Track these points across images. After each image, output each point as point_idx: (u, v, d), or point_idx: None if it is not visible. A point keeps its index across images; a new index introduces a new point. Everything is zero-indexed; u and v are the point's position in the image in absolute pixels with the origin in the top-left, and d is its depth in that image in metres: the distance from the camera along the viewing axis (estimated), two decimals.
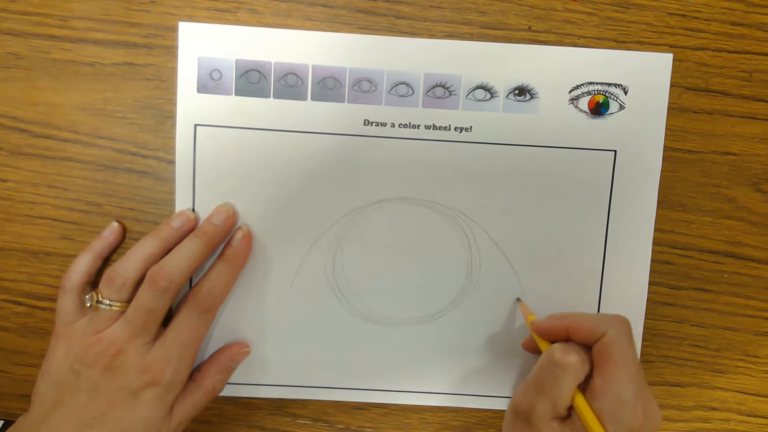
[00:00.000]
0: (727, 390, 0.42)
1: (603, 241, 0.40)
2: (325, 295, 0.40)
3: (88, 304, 0.37)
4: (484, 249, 0.40)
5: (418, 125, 0.39)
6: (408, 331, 0.41)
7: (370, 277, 0.40)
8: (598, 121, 0.39)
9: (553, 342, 0.35)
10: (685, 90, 0.40)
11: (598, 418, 0.31)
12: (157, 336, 0.36)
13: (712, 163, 0.40)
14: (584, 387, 0.33)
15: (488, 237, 0.40)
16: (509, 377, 0.41)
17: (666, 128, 0.40)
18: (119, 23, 0.38)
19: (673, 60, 0.39)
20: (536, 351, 0.38)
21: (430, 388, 0.42)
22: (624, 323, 0.34)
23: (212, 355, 0.40)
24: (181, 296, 0.38)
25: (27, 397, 0.37)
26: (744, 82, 0.40)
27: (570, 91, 0.39)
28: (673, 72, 0.39)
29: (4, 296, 0.41)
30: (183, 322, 0.37)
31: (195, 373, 0.39)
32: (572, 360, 0.32)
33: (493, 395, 0.42)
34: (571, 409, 0.32)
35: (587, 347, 0.34)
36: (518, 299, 0.40)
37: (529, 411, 0.33)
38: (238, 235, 0.39)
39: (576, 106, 0.39)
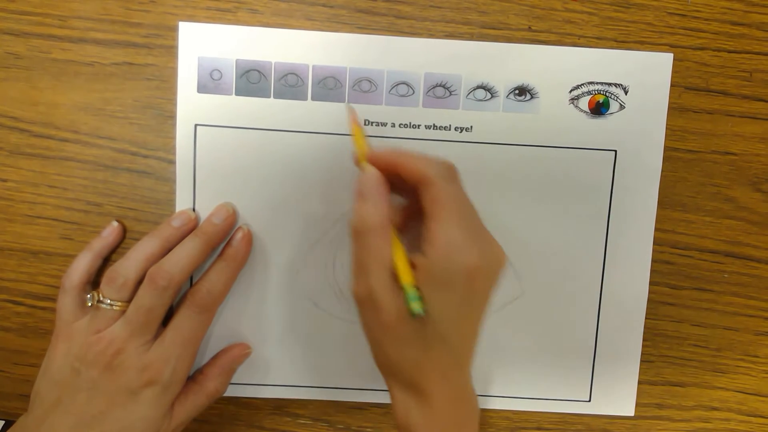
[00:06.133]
0: (727, 390, 0.42)
1: (603, 240, 0.40)
2: (325, 295, 0.40)
3: (89, 304, 0.37)
4: None
5: (419, 125, 0.39)
6: None
7: None
8: (599, 121, 0.39)
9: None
10: (685, 90, 0.40)
11: (431, 261, 0.31)
12: (157, 335, 0.36)
13: (713, 163, 0.40)
14: (419, 237, 0.32)
15: None
16: (510, 376, 0.41)
17: (666, 128, 0.40)
18: (119, 23, 0.38)
19: (674, 60, 0.39)
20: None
21: None
22: (450, 168, 0.33)
23: (214, 357, 0.40)
24: (181, 295, 0.38)
25: (27, 397, 0.37)
26: (744, 82, 0.40)
27: (570, 91, 0.39)
28: (673, 72, 0.39)
29: (4, 296, 0.41)
30: (182, 322, 0.37)
31: (197, 374, 0.39)
32: (375, 220, 0.32)
33: (493, 395, 0.42)
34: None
35: (409, 192, 0.33)
36: (348, 104, 0.38)
37: (367, 291, 0.32)
38: (238, 234, 0.39)
39: (576, 106, 0.39)
